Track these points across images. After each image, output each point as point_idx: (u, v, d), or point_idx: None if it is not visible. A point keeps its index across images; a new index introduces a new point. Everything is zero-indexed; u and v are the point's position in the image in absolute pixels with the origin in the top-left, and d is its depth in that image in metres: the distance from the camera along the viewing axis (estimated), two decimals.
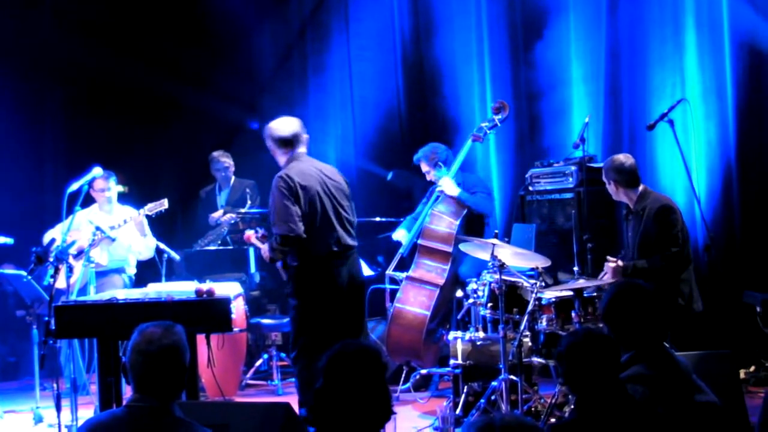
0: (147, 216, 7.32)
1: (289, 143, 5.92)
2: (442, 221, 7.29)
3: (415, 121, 9.49)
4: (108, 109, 9.56)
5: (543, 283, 6.19)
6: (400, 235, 7.66)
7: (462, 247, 6.58)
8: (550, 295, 6.14)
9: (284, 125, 5.95)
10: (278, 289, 8.92)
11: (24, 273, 6.93)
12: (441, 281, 7.18)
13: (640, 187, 6.23)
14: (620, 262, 6.03)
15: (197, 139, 9.71)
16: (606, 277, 6.08)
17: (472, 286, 6.56)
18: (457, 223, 7.23)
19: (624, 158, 6.28)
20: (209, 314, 5.43)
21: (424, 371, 7.23)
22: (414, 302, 7.20)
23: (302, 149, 5.96)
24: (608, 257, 6.15)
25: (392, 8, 9.54)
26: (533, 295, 6.03)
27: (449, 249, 7.20)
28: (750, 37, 7.64)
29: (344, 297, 5.88)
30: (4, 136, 9.28)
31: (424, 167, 7.59)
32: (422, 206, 7.67)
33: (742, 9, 7.66)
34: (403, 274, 7.35)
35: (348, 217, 5.96)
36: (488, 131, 7.51)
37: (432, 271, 7.25)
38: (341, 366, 2.96)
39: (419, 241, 7.33)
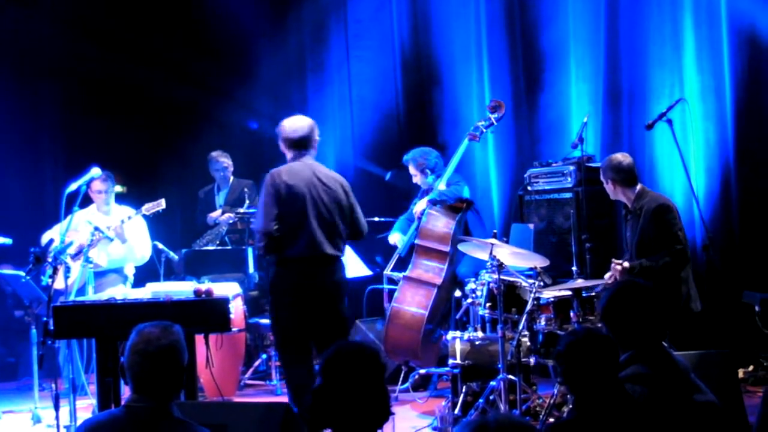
0: (145, 216, 7.31)
1: (295, 145, 5.83)
2: (439, 221, 7.27)
3: (413, 122, 9.49)
4: (106, 109, 9.56)
5: (542, 283, 6.19)
6: (396, 238, 7.63)
7: (461, 246, 6.58)
8: (548, 294, 6.14)
9: (294, 127, 5.85)
10: None
11: (22, 273, 6.92)
12: (438, 281, 7.17)
13: (638, 187, 6.21)
14: (626, 264, 6.02)
15: (196, 138, 9.71)
16: (612, 279, 6.07)
17: (470, 285, 6.55)
18: (454, 222, 7.22)
19: (622, 157, 6.27)
20: (208, 314, 5.43)
21: (422, 371, 7.23)
22: (411, 302, 7.18)
23: (310, 152, 5.87)
24: (613, 260, 6.14)
25: (391, 9, 9.54)
26: (532, 295, 6.03)
27: (446, 248, 7.17)
28: (748, 34, 7.64)
29: (309, 301, 5.72)
30: (2, 136, 9.27)
31: (412, 170, 7.58)
32: (414, 206, 7.63)
33: (741, 7, 7.66)
34: (401, 274, 7.33)
35: (335, 225, 5.77)
36: (485, 130, 7.49)
37: (429, 270, 7.24)
38: (339, 366, 2.96)
39: (416, 241, 7.31)
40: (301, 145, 5.82)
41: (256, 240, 5.82)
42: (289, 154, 5.88)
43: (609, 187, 6.29)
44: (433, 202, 7.27)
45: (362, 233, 6.00)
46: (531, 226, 7.74)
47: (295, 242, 5.66)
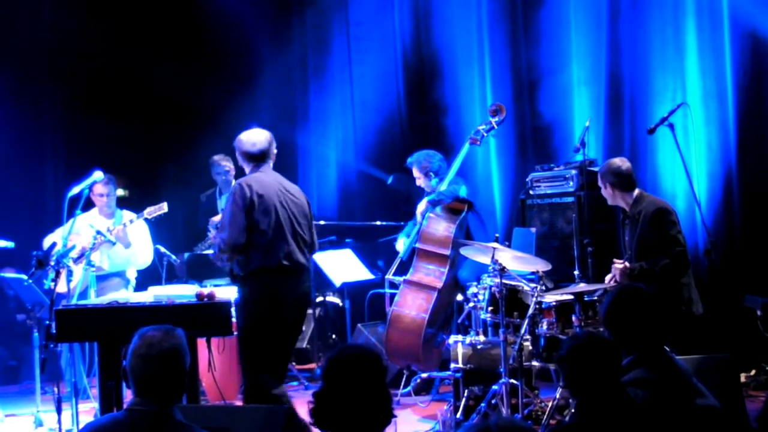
0: (147, 220, 7.32)
1: (253, 159, 5.77)
2: (440, 224, 7.26)
3: (415, 125, 9.49)
4: (109, 112, 9.55)
5: (543, 287, 6.19)
6: (401, 244, 7.63)
7: (462, 251, 6.58)
8: (550, 298, 6.14)
9: (253, 141, 5.78)
10: None
11: (25, 277, 6.94)
12: (439, 284, 7.16)
13: (636, 191, 6.24)
14: (627, 264, 6.03)
15: (198, 142, 9.72)
16: (612, 280, 6.08)
17: (472, 290, 6.56)
18: (455, 226, 7.21)
19: (620, 162, 6.30)
20: (210, 318, 5.43)
21: (424, 375, 7.22)
22: (412, 306, 7.18)
23: (268, 163, 5.81)
24: (614, 260, 6.14)
25: (393, 12, 9.55)
26: (534, 299, 6.03)
27: (447, 252, 7.17)
28: (751, 37, 7.63)
29: (287, 312, 5.63)
30: (4, 139, 9.28)
31: (416, 173, 7.55)
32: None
33: (744, 10, 7.66)
34: (402, 278, 7.33)
35: (303, 235, 5.72)
36: (485, 134, 7.46)
37: (430, 274, 7.23)
38: (341, 369, 2.96)
39: (417, 245, 7.30)
40: (260, 158, 5.76)
41: (219, 250, 5.63)
42: (247, 168, 5.82)
43: (607, 192, 6.31)
44: (432, 203, 7.27)
45: (316, 247, 6.00)
46: (533, 230, 7.74)
47: (274, 253, 5.57)
